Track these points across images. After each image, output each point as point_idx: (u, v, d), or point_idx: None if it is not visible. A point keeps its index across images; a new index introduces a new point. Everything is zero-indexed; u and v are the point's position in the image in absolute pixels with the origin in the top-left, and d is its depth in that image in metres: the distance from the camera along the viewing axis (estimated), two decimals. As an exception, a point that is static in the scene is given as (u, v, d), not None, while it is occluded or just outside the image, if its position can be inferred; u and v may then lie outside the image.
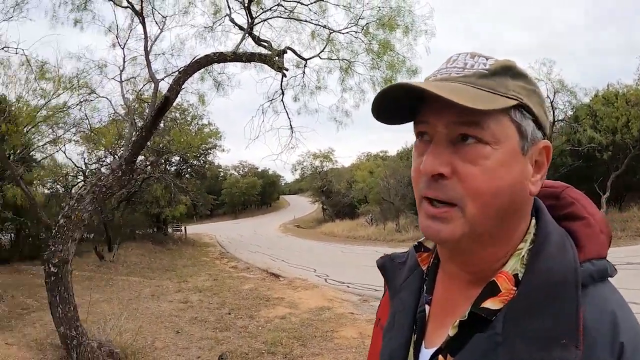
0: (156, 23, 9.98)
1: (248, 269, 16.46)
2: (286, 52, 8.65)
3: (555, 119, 20.83)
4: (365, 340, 6.84)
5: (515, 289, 0.77)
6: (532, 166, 0.79)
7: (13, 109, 12.62)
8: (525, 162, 0.78)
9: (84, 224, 6.36)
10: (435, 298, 0.90)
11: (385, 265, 1.07)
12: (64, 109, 13.26)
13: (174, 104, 18.43)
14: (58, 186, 20.39)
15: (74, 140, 17.17)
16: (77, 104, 13.12)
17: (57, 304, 5.67)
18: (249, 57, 7.92)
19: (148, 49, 9.05)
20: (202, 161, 30.62)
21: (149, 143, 19.81)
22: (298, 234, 36.43)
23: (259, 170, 67.00)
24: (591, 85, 48.68)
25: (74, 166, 20.42)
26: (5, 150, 12.55)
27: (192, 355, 6.64)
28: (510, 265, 0.79)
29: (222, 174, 60.90)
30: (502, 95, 0.74)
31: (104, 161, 19.98)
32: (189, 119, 22.89)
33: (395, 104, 0.79)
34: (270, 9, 8.92)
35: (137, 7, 9.01)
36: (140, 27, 9.14)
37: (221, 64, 8.97)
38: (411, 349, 0.89)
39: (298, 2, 8.78)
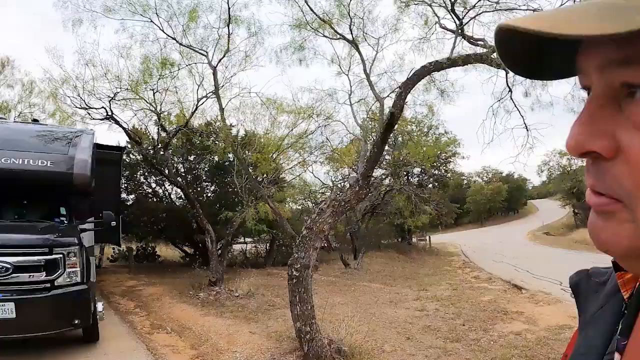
0: (370, 46, 10.52)
1: (490, 279, 15.93)
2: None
3: None
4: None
5: None
6: None
7: (262, 140, 14.42)
8: None
9: (325, 235, 7.01)
10: (632, 345, 0.60)
11: (580, 285, 0.76)
12: (306, 135, 14.72)
13: (409, 117, 19.04)
14: (308, 202, 22.55)
15: (319, 161, 18.73)
16: (316, 129, 14.54)
17: (297, 302, 6.36)
18: (464, 60, 7.59)
19: (367, 71, 9.63)
20: (443, 170, 30.57)
21: (388, 157, 20.77)
22: (546, 241, 33.77)
23: (503, 174, 63.51)
24: None
25: (321, 184, 22.48)
26: (257, 175, 14.43)
27: (417, 363, 6.74)
28: None
29: (465, 181, 59.39)
30: None
31: (347, 177, 21.50)
32: (425, 129, 23.12)
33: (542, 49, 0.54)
34: (474, 7, 8.66)
35: (349, 37, 9.59)
36: (357, 53, 9.75)
37: (442, 72, 8.90)
38: None
39: (501, -9, 8.29)
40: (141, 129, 16.38)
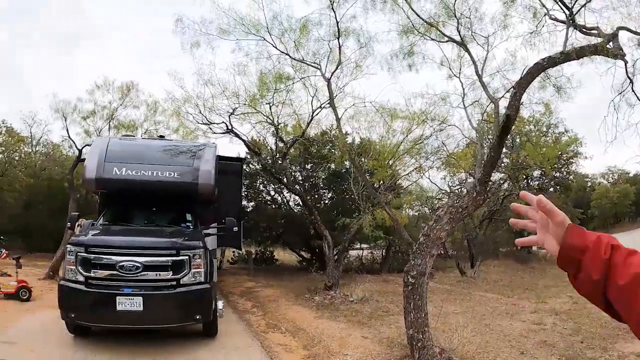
0: (480, 45, 10.19)
1: (616, 294, 14.73)
2: (617, 34, 7.49)
3: None
4: None
5: None
6: None
7: (377, 147, 14.54)
8: None
9: (442, 242, 6.98)
10: None
11: None
12: (421, 141, 14.62)
13: (525, 116, 18.21)
14: (425, 209, 22.29)
15: (435, 166, 18.49)
16: (431, 135, 14.41)
17: (411, 309, 6.39)
18: (579, 53, 7.10)
19: (479, 72, 9.36)
20: (564, 172, 28.72)
21: (506, 160, 19.99)
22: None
23: (630, 175, 57.00)
24: None
25: (438, 189, 22.14)
26: (374, 182, 14.56)
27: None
28: None
29: (589, 184, 54.41)
30: None
31: (464, 182, 21.00)
32: (544, 129, 21.89)
33: None
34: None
35: (457, 38, 9.37)
36: (466, 54, 9.51)
37: (558, 67, 8.40)
38: None
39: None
40: (260, 140, 17.30)
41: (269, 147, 17.27)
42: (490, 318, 10.05)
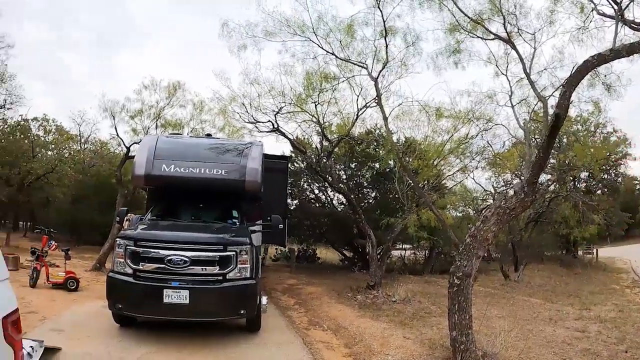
0: (527, 42, 9.99)
1: (661, 300, 14.27)
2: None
3: None
4: None
5: None
6: None
7: (422, 147, 14.43)
8: None
9: (488, 244, 6.89)
10: None
11: None
12: (466, 140, 14.45)
13: (573, 115, 17.74)
14: (469, 209, 22.01)
15: (480, 166, 18.24)
16: (477, 134, 14.23)
17: (455, 311, 6.33)
18: (629, 50, 6.80)
19: (527, 70, 9.18)
20: (612, 174, 27.82)
21: (553, 161, 19.51)
22: None
23: None
24: None
25: (483, 190, 21.86)
26: (419, 181, 14.49)
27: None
28: None
29: (637, 186, 52.26)
30: None
31: (511, 183, 20.63)
32: (592, 128, 21.23)
33: None
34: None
35: (504, 35, 9.20)
36: (513, 51, 9.34)
37: (607, 65, 8.15)
38: None
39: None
40: (305, 139, 17.44)
41: (314, 146, 17.48)
42: (533, 323, 9.85)
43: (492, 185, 22.56)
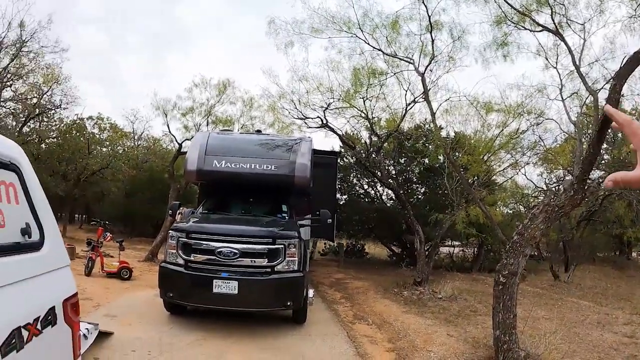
0: (576, 33, 9.74)
1: None
2: None
3: None
4: None
5: None
6: None
7: (472, 142, 14.29)
8: None
9: (536, 242, 6.78)
10: None
11: None
12: (517, 135, 14.22)
13: (628, 109, 17.11)
14: (520, 206, 21.61)
15: (531, 162, 17.91)
16: (528, 128, 13.99)
17: (500, 309, 6.27)
18: None
19: (577, 62, 8.94)
20: (671, 171, 26.47)
21: (607, 157, 18.91)
22: None
23: None
24: None
25: (534, 187, 21.41)
26: (468, 177, 14.38)
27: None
28: None
29: None
30: None
31: (563, 180, 20.11)
32: (649, 121, 20.33)
33: None
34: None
35: (552, 27, 8.98)
36: (562, 42, 9.12)
37: None
38: None
39: None
40: (354, 134, 17.56)
41: (363, 141, 17.56)
42: (580, 326, 9.62)
43: (544, 182, 22.09)
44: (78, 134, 24.81)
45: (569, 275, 17.49)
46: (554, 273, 17.31)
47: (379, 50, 12.96)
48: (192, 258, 7.54)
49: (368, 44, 12.96)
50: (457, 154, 14.64)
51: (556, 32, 9.93)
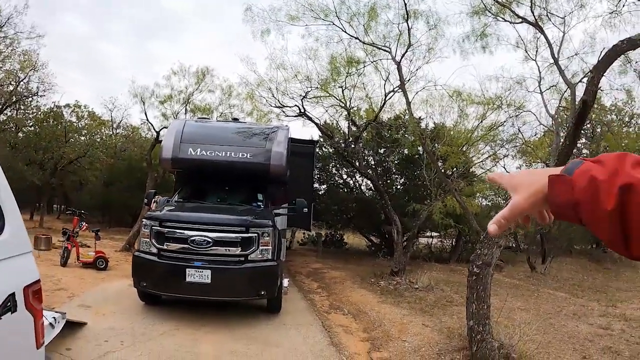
0: (556, 26, 9.74)
1: (693, 299, 13.79)
2: None
3: None
4: None
5: None
6: None
7: (451, 133, 14.29)
8: None
9: (510, 232, 6.77)
10: None
11: None
12: (496, 127, 14.24)
13: (607, 105, 17.29)
14: (499, 199, 21.71)
15: (510, 154, 17.99)
16: (506, 120, 14.03)
17: (473, 300, 6.26)
18: None
19: (555, 55, 8.95)
20: (647, 166, 26.80)
21: (585, 151, 19.08)
22: None
23: None
24: None
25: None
26: (447, 168, 14.38)
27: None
28: None
29: None
30: None
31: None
32: (626, 119, 20.65)
33: None
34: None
35: (531, 19, 8.99)
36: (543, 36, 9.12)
37: (638, 50, 7.87)
38: None
39: None
40: (332, 123, 17.45)
41: (341, 131, 17.50)
42: (556, 318, 9.67)
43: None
44: (55, 122, 24.40)
45: (546, 267, 17.64)
46: (531, 264, 17.45)
47: (356, 38, 12.89)
48: (165, 247, 7.46)
49: (345, 32, 12.89)
50: (436, 144, 14.61)
51: (535, 25, 9.91)
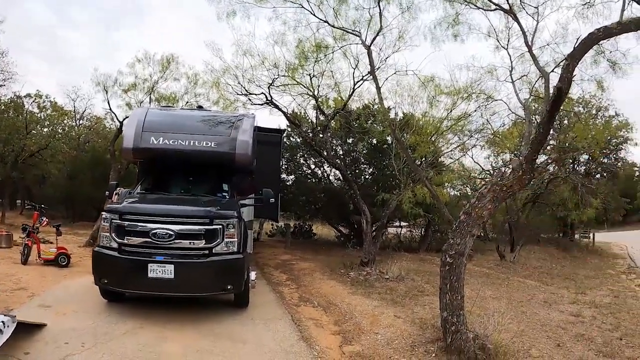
0: (530, 15, 9.71)
1: (658, 289, 14.04)
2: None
3: None
4: None
5: None
6: None
7: (420, 123, 14.15)
8: None
9: (483, 222, 6.64)
10: None
11: None
12: (464, 117, 14.18)
13: (575, 97, 17.49)
14: (467, 188, 21.84)
15: (479, 145, 18.01)
16: (475, 110, 13.98)
17: (447, 290, 6.13)
18: (637, 24, 6.51)
19: (529, 43, 8.90)
20: (612, 159, 27.53)
21: (554, 142, 19.27)
22: None
23: None
24: None
25: (481, 169, 21.67)
26: (416, 157, 14.26)
27: (563, 373, 6.19)
28: None
29: (637, 173, 51.88)
30: None
31: (509, 163, 20.40)
32: (593, 111, 20.94)
33: None
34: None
35: (505, 6, 8.92)
36: (516, 24, 9.06)
37: (612, 41, 7.88)
38: None
39: None
40: (300, 112, 17.15)
41: (309, 120, 17.27)
42: (527, 306, 9.69)
43: (491, 165, 22.41)
44: (16, 113, 23.55)
45: (515, 256, 17.81)
46: (500, 253, 17.57)
47: (325, 22, 12.59)
48: (125, 241, 7.10)
49: (314, 15, 12.56)
50: (405, 134, 14.47)
51: (509, 12, 9.84)
